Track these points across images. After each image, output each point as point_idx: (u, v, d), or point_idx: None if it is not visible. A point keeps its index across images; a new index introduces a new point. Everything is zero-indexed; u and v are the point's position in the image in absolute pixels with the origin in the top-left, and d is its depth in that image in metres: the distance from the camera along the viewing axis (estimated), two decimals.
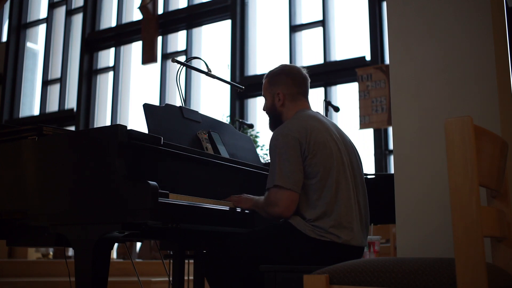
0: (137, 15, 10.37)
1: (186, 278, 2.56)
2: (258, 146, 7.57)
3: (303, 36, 8.77)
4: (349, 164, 2.11)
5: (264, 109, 2.35)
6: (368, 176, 3.53)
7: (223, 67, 9.09)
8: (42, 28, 11.96)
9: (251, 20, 9.28)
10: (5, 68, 11.66)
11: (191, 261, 2.65)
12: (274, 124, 2.30)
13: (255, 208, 2.15)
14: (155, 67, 9.97)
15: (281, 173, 2.01)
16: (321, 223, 1.98)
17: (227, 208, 2.13)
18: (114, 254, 7.07)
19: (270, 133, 2.25)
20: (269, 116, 2.34)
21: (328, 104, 4.07)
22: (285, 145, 2.03)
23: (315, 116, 2.17)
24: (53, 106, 11.28)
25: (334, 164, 2.03)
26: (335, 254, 1.96)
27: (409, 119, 2.05)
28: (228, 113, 8.81)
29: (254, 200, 2.17)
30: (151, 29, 9.81)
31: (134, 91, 10.56)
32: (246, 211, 2.19)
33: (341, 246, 1.98)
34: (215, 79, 2.78)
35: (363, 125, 7.58)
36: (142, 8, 9.94)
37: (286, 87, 2.25)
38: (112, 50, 10.81)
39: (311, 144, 2.02)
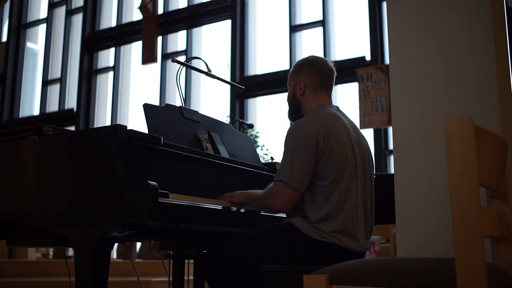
0: (137, 15, 10.37)
1: (186, 278, 2.56)
2: (258, 146, 7.57)
3: (303, 36, 8.76)
4: (362, 169, 2.09)
5: (287, 100, 2.31)
6: None
7: (223, 67, 9.09)
8: (42, 28, 11.96)
9: (251, 20, 9.27)
10: (5, 68, 11.66)
11: (191, 261, 2.65)
12: (293, 115, 2.27)
13: (249, 201, 2.14)
14: (155, 67, 9.97)
15: (290, 170, 1.99)
16: (323, 226, 1.97)
17: (226, 208, 2.13)
18: (114, 254, 7.07)
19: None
20: (289, 106, 2.29)
21: None
22: (301, 142, 2.01)
23: (337, 115, 2.12)
24: (53, 106, 11.28)
25: (347, 169, 2.01)
26: (336, 256, 1.95)
27: (409, 119, 2.05)
28: (228, 113, 8.81)
29: (247, 193, 2.15)
30: (151, 29, 9.81)
31: (134, 91, 10.56)
32: (242, 210, 2.19)
33: (342, 249, 1.97)
34: (215, 79, 2.78)
35: (363, 125, 7.58)
36: (142, 8, 9.94)
37: (308, 77, 2.21)
38: (112, 50, 10.81)
39: (328, 146, 2.00)
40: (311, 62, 2.24)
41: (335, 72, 2.28)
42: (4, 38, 12.19)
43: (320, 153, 2.00)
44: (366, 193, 2.10)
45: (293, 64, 2.34)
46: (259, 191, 2.12)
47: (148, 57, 9.75)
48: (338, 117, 2.12)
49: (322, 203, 2.00)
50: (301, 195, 2.02)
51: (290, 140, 2.05)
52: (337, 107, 2.26)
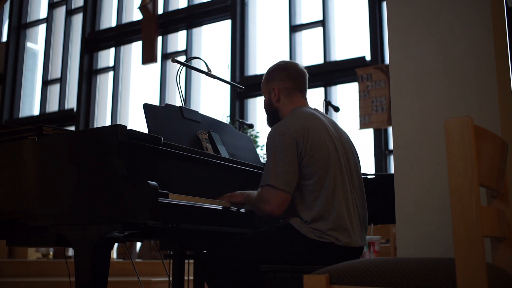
0: (137, 15, 10.37)
1: (186, 278, 2.56)
2: (258, 146, 7.57)
3: (303, 36, 8.77)
4: (346, 164, 2.09)
5: (264, 107, 2.34)
6: (368, 176, 3.53)
7: (223, 67, 9.09)
8: (42, 28, 11.97)
9: (251, 20, 9.28)
10: (5, 68, 11.67)
11: (191, 261, 2.65)
12: (271, 121, 2.29)
13: (246, 202, 2.14)
14: (155, 67, 9.97)
15: (275, 173, 2.00)
16: (319, 226, 1.97)
17: (226, 208, 2.13)
18: (114, 254, 7.07)
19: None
20: (266, 113, 2.32)
21: (328, 104, 4.07)
22: (282, 144, 2.02)
23: (313, 114, 2.14)
24: (53, 106, 11.28)
25: (331, 165, 2.01)
26: (335, 255, 1.95)
27: (409, 119, 2.05)
28: (228, 113, 8.81)
29: (246, 194, 2.16)
30: (151, 29, 9.81)
31: (134, 91, 10.56)
32: (242, 210, 2.19)
33: (341, 248, 1.97)
34: (215, 79, 2.78)
35: (363, 125, 7.58)
36: (142, 8, 9.94)
37: (280, 82, 2.23)
38: (112, 50, 10.81)
39: (308, 145, 2.01)
40: (282, 67, 2.27)
41: (307, 74, 2.30)
42: (4, 38, 12.19)
43: (301, 152, 2.01)
44: (354, 187, 2.10)
45: None
46: (255, 193, 2.12)
47: (148, 57, 9.76)
48: (315, 115, 2.14)
49: (312, 202, 1.99)
50: (292, 197, 2.02)
51: (271, 143, 2.06)
52: (315, 108, 2.25)
